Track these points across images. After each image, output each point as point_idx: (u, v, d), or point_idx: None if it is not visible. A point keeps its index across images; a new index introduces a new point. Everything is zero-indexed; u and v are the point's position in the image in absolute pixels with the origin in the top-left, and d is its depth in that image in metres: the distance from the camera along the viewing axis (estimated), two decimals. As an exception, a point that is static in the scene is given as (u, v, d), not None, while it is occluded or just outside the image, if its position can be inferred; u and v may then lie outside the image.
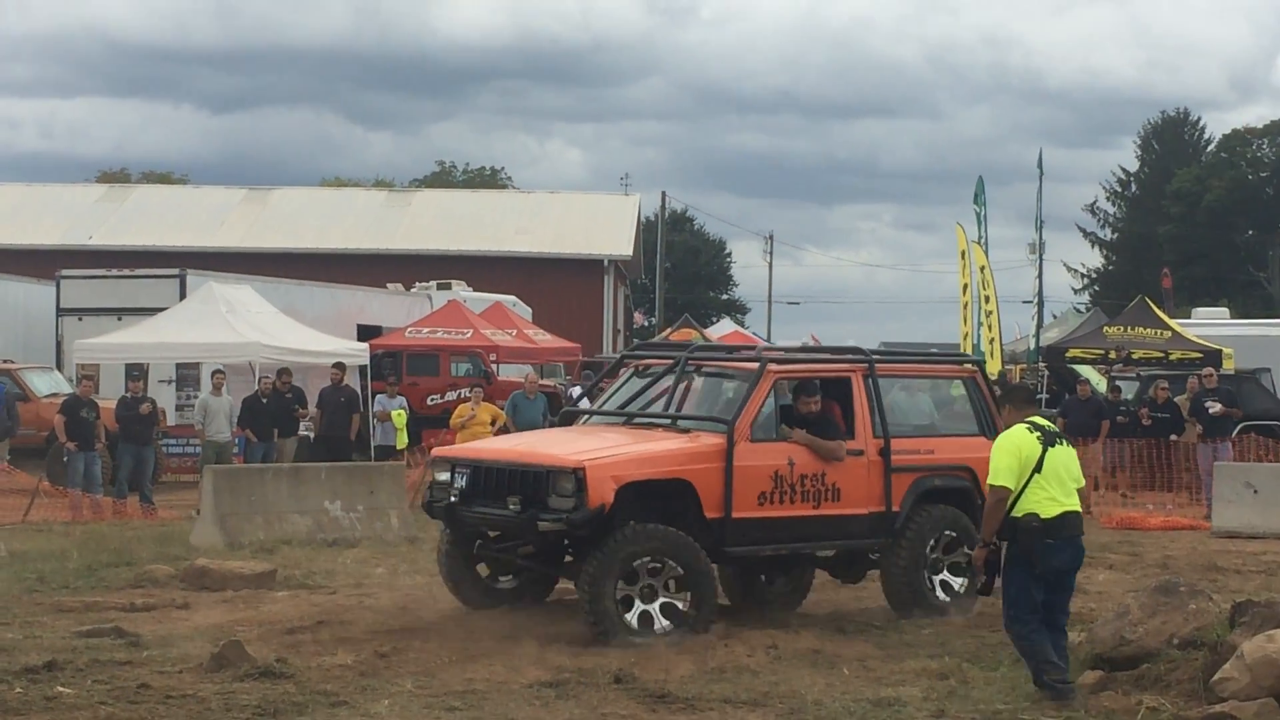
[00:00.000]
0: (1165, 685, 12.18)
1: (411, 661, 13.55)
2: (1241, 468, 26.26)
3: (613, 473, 14.50)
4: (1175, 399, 29.71)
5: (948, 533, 16.40)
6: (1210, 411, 28.12)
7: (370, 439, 33.61)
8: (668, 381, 16.36)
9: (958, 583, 16.41)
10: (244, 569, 18.48)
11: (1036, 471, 12.14)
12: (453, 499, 15.28)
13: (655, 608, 14.53)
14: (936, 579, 16.37)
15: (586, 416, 17.18)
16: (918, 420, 17.05)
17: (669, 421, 15.83)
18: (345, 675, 12.97)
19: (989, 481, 12.23)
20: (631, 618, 14.41)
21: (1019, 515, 12.08)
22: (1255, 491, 24.69)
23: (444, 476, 15.49)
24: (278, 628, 15.25)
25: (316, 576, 18.95)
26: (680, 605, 14.56)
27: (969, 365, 18.04)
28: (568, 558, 15.57)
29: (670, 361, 16.80)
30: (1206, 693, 11.74)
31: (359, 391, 32.06)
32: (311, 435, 30.59)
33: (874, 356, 16.86)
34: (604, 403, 17.21)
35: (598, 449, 14.97)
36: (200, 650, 13.90)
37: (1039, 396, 34.76)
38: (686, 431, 15.49)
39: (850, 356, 17.07)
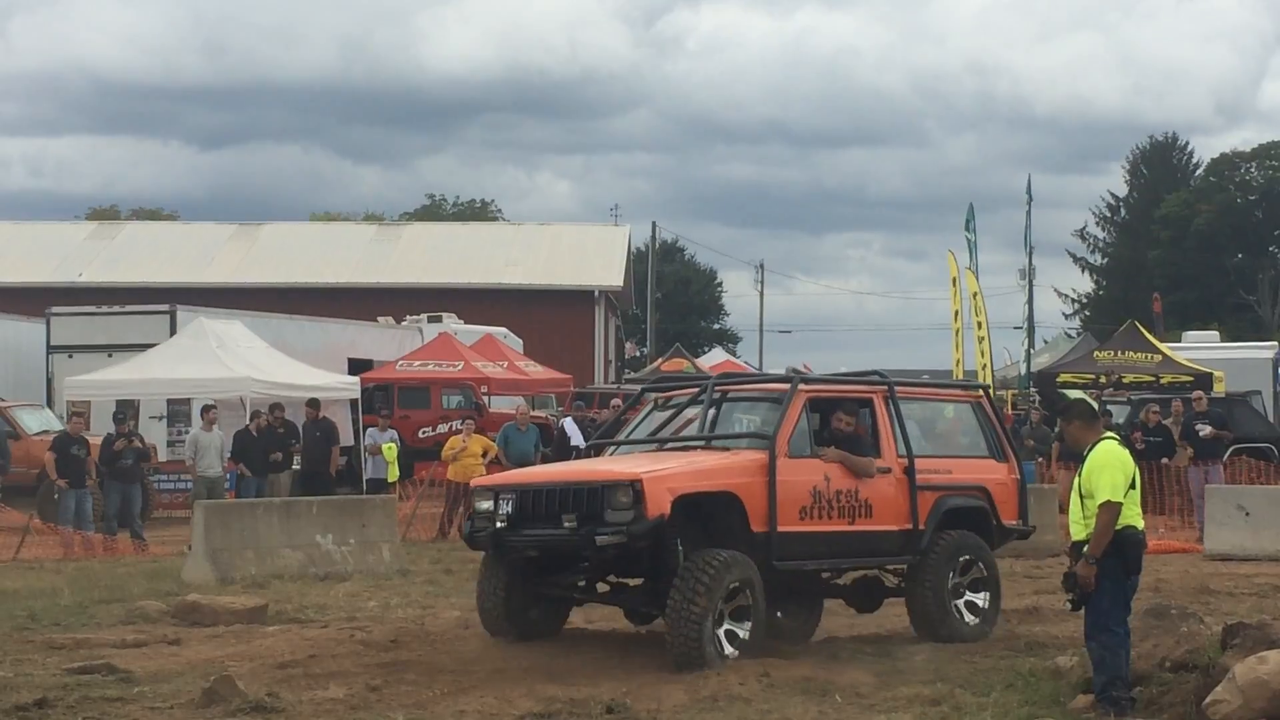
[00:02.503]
0: (1158, 708, 12.18)
1: (403, 694, 13.50)
2: (1233, 490, 26.25)
3: (668, 485, 14.60)
4: (1165, 422, 29.73)
5: (964, 557, 16.59)
6: (1201, 434, 28.17)
7: (361, 472, 33.61)
8: (692, 411, 16.71)
9: (981, 599, 16.67)
10: (235, 604, 18.44)
11: (1131, 487, 12.31)
12: (499, 525, 15.17)
13: (722, 633, 14.60)
14: (960, 602, 16.53)
15: (614, 447, 17.15)
16: (934, 442, 17.32)
17: (703, 444, 16.02)
18: (337, 709, 12.92)
19: (1105, 498, 12.19)
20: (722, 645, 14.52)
21: (1120, 528, 12.23)
22: (1247, 514, 24.68)
23: (486, 505, 15.44)
24: (269, 662, 15.20)
25: (308, 610, 18.92)
26: (741, 633, 14.71)
27: (977, 390, 18.38)
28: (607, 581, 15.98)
29: (694, 390, 17.16)
30: (1199, 715, 11.74)
31: (336, 424, 32.01)
32: (302, 470, 30.56)
33: (892, 380, 17.18)
34: (630, 433, 17.36)
35: (649, 465, 15.10)
36: (192, 686, 13.85)
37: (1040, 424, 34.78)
38: (726, 450, 15.69)
39: (872, 379, 17.31)
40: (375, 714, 12.71)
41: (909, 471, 16.32)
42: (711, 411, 16.45)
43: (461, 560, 23.71)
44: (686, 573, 14.28)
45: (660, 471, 14.78)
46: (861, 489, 15.91)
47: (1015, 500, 17.51)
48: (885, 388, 16.76)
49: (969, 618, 16.54)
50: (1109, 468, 12.28)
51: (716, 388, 16.86)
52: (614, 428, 18.72)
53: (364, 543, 22.94)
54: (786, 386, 16.41)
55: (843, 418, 16.16)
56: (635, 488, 14.43)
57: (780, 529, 15.11)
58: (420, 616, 18.19)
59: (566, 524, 14.70)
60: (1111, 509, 12.17)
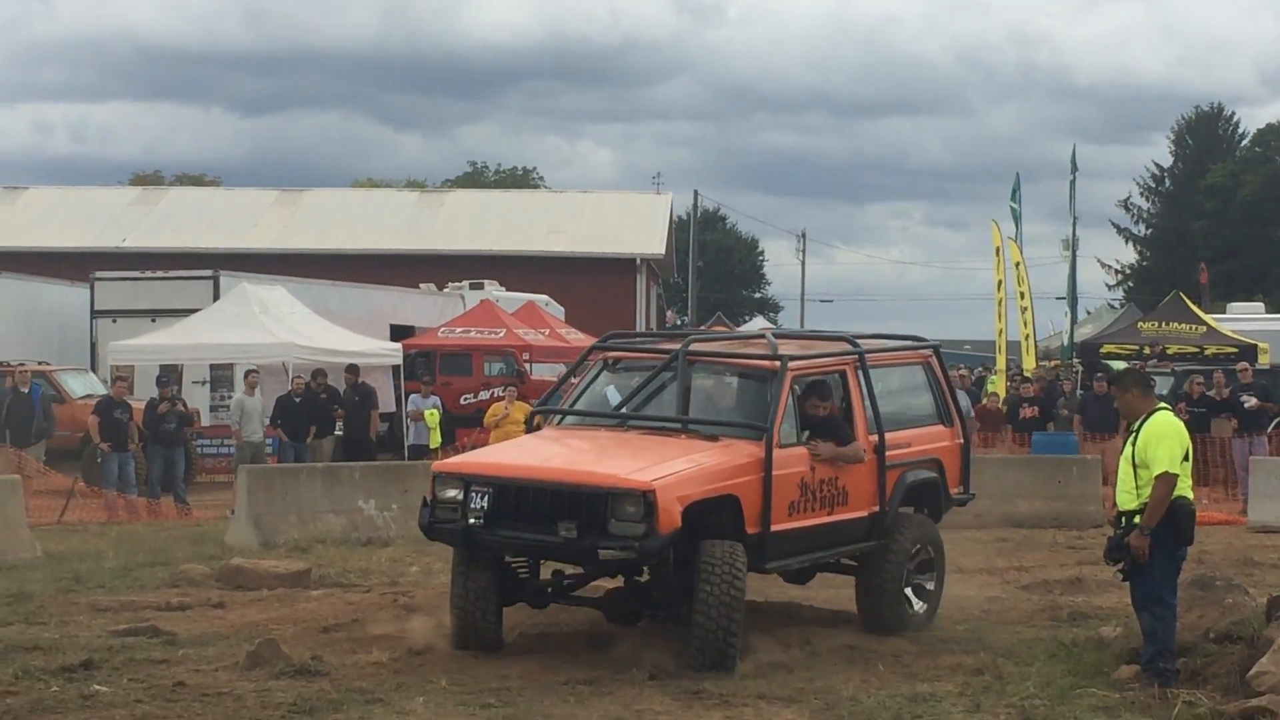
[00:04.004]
0: (1202, 679, 12.14)
1: (446, 659, 13.55)
2: (1278, 462, 26.12)
3: (679, 493, 13.04)
4: (1208, 393, 29.58)
5: (917, 545, 15.37)
6: (1246, 406, 28.03)
7: (404, 438, 33.67)
8: (654, 378, 14.85)
9: (929, 581, 15.51)
10: (279, 568, 18.52)
11: (1185, 459, 12.30)
12: (472, 521, 13.41)
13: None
14: (909, 589, 15.29)
15: (560, 417, 15.34)
16: (892, 411, 15.52)
17: (680, 426, 14.35)
18: (380, 673, 12.99)
19: (1162, 469, 12.16)
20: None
21: (1173, 499, 12.20)
22: (1291, 486, 24.54)
23: (452, 494, 13.60)
24: (313, 626, 15.27)
25: (351, 575, 18.98)
26: None
27: (928, 349, 16.76)
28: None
29: (657, 354, 15.38)
30: (1243, 687, 11.70)
31: (375, 389, 32.04)
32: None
33: (860, 345, 15.67)
34: (575, 400, 15.40)
35: (653, 465, 13.32)
36: (236, 649, 13.94)
37: (1075, 394, 34.66)
38: (715, 439, 14.02)
39: (846, 348, 15.58)
40: (419, 678, 12.75)
41: (879, 450, 15.02)
42: (678, 383, 14.64)
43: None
44: (712, 572, 12.96)
45: (670, 478, 13.07)
46: (840, 476, 14.59)
47: (959, 467, 16.37)
48: (856, 358, 15.34)
49: (917, 604, 15.34)
50: (1167, 439, 12.24)
51: (690, 358, 14.86)
52: (558, 390, 16.52)
53: (406, 508, 22.91)
54: (772, 364, 14.55)
55: (818, 404, 14.53)
56: (647, 499, 12.86)
57: (774, 528, 13.79)
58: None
59: (564, 532, 13.06)
60: (1169, 480, 12.13)
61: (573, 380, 16.11)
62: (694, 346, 15.07)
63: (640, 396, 14.84)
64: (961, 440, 16.45)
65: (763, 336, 15.84)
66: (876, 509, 14.99)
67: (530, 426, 15.58)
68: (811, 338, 16.76)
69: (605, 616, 14.35)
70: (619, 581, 14.68)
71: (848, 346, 15.59)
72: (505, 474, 13.65)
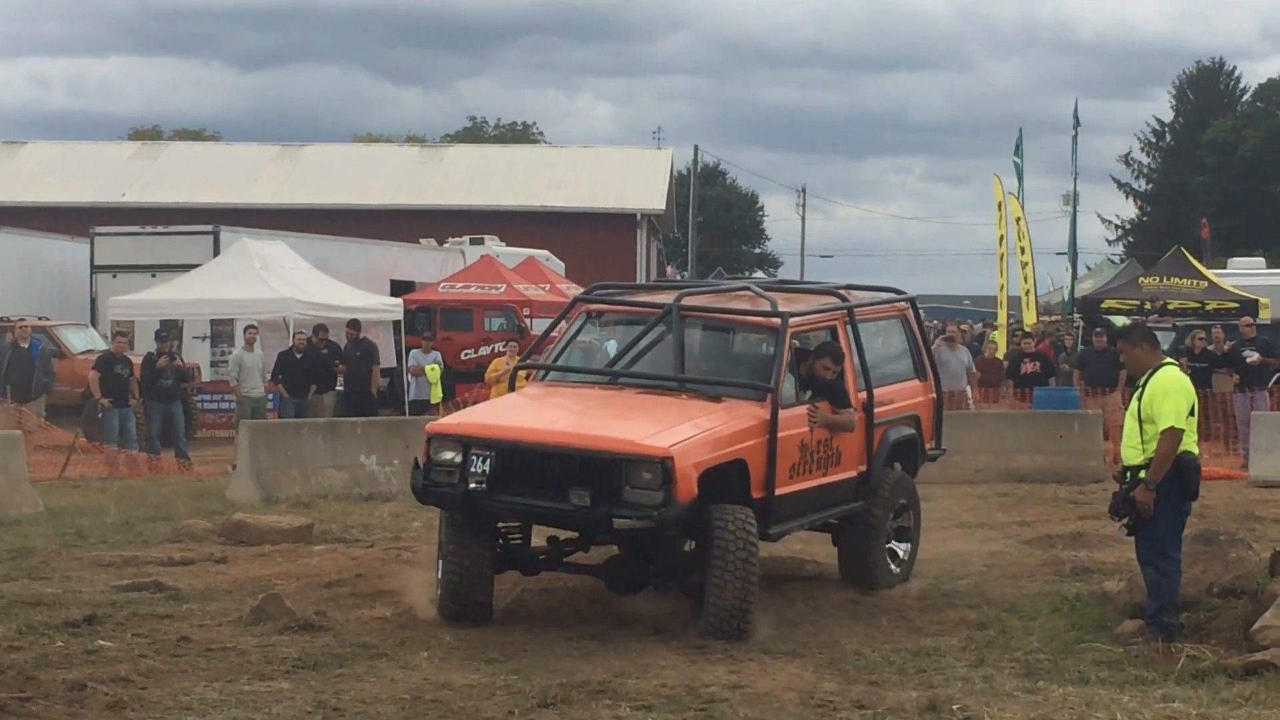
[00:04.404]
0: (1206, 634, 12.17)
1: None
2: (1279, 416, 26.11)
3: (694, 459, 12.52)
4: (1209, 348, 29.54)
5: (901, 501, 15.23)
6: (1248, 361, 28.00)
7: (405, 394, 33.67)
8: (646, 333, 14.24)
9: (902, 550, 15.30)
10: (281, 523, 18.53)
11: (1190, 414, 12.30)
12: (473, 486, 12.71)
13: None
14: (886, 550, 15.07)
15: (544, 373, 14.75)
16: (875, 366, 15.15)
17: (677, 385, 13.80)
18: (384, 628, 13.00)
19: (1169, 424, 12.15)
20: None
21: (1179, 454, 12.20)
22: (1293, 440, 24.54)
23: (450, 456, 12.90)
24: (316, 581, 15.28)
25: (354, 530, 18.99)
26: None
27: (904, 302, 16.43)
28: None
29: (649, 311, 14.61)
30: (1247, 641, 11.72)
31: (376, 345, 32.01)
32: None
33: (848, 299, 15.34)
34: (558, 355, 14.86)
35: (666, 429, 12.76)
36: (239, 604, 13.95)
37: (1076, 349, 34.64)
38: (718, 400, 13.50)
39: (837, 302, 15.21)
40: (422, 633, 12.74)
41: (868, 408, 14.71)
42: (670, 338, 14.09)
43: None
44: (726, 539, 12.50)
45: (686, 443, 12.53)
46: (834, 436, 14.22)
47: (934, 423, 16.31)
48: (845, 312, 14.94)
49: (893, 567, 15.09)
50: (1173, 394, 12.23)
51: (683, 313, 14.23)
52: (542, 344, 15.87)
53: (408, 463, 22.57)
54: (773, 322, 14.03)
55: (829, 366, 14.15)
56: (665, 466, 12.33)
57: (779, 491, 13.38)
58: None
59: (576, 501, 12.45)
60: (1175, 435, 12.12)
61: (553, 335, 15.39)
62: (686, 301, 14.43)
63: (631, 353, 14.29)
64: (935, 395, 16.29)
65: (747, 288, 15.39)
66: (864, 468, 14.73)
67: (513, 383, 15.01)
68: (794, 289, 16.21)
69: (606, 586, 13.76)
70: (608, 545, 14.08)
71: (837, 300, 15.24)
72: (509, 436, 12.90)
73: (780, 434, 13.32)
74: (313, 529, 18.56)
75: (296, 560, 16.78)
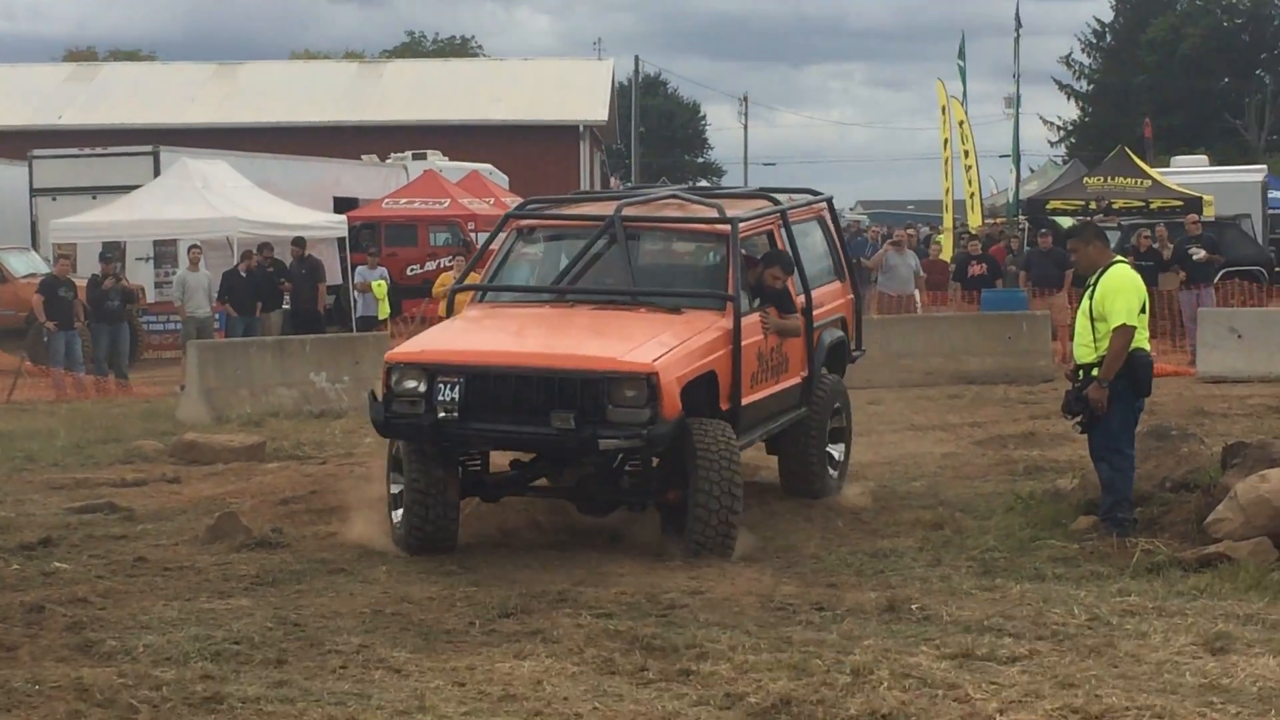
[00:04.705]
0: (1159, 528, 12.26)
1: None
2: (1225, 313, 26.30)
3: (676, 374, 12.07)
4: (1154, 246, 29.66)
5: (836, 405, 14.92)
6: (1194, 258, 28.12)
7: (352, 311, 33.57)
8: (586, 246, 13.63)
9: (838, 453, 14.97)
10: (233, 442, 18.46)
11: (1142, 311, 12.31)
12: (442, 415, 12.06)
13: None
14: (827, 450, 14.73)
15: (482, 294, 14.03)
16: (804, 269, 14.63)
17: (629, 299, 13.25)
18: (341, 544, 12.96)
19: (1120, 321, 12.16)
20: None
21: (1131, 351, 12.22)
22: (1239, 336, 24.73)
23: (412, 385, 12.23)
24: (271, 499, 15.23)
25: (306, 447, 18.94)
26: None
27: (823, 201, 15.96)
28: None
29: (585, 224, 14.07)
30: (1200, 534, 11.82)
31: (322, 262, 31.86)
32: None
33: (777, 201, 14.90)
34: (493, 274, 14.12)
35: (642, 345, 12.29)
36: (195, 523, 13.92)
37: (1022, 251, 34.75)
38: (678, 312, 12.99)
39: (769, 205, 14.73)
40: (379, 546, 12.71)
41: (807, 311, 14.33)
42: (613, 250, 13.55)
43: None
44: (709, 454, 12.06)
45: (666, 357, 12.09)
46: (783, 342, 13.86)
47: (855, 324, 15.93)
48: (779, 215, 14.50)
49: (831, 472, 14.80)
50: (1124, 291, 12.25)
51: (626, 224, 13.65)
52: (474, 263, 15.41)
53: (357, 379, 22.91)
54: (722, 228, 13.56)
55: (779, 275, 13.72)
56: (650, 382, 11.87)
57: (744, 401, 12.98)
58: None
59: (558, 424, 11.87)
60: (1127, 332, 12.15)
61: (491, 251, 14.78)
62: (628, 211, 13.84)
63: (573, 269, 13.61)
64: (854, 296, 15.89)
65: (675, 195, 14.86)
66: (806, 374, 14.42)
67: (450, 307, 14.11)
68: (719, 195, 15.61)
69: (577, 508, 13.27)
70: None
71: (769, 203, 14.79)
72: (479, 361, 12.30)
73: (744, 342, 12.96)
74: (265, 447, 18.50)
75: (250, 478, 16.73)
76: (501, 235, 14.66)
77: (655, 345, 12.26)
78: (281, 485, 16.07)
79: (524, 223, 14.44)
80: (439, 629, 10.25)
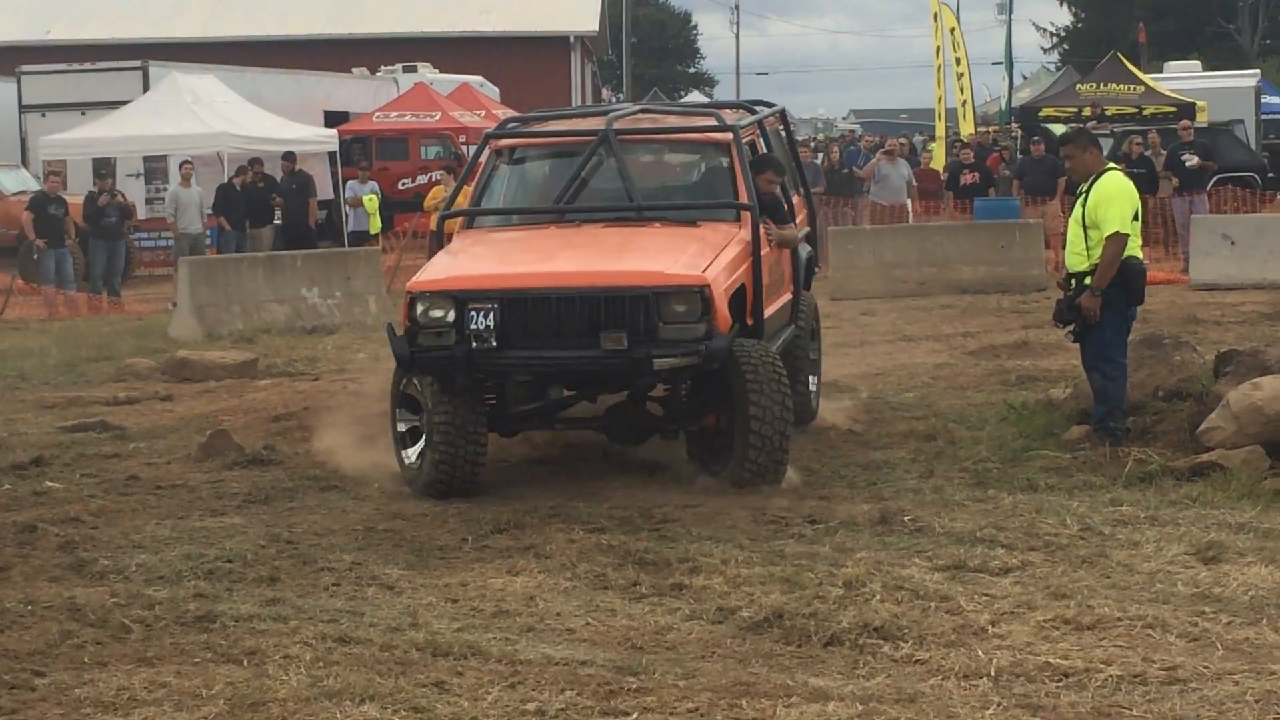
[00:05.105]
0: (1152, 436, 12.23)
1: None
2: (1218, 220, 26.21)
3: (723, 286, 11.50)
4: (1146, 153, 29.57)
5: (814, 325, 14.57)
6: (1187, 164, 28.04)
7: (343, 225, 33.49)
8: (583, 161, 12.84)
9: (814, 382, 14.31)
10: (225, 359, 18.44)
11: (1135, 218, 12.24)
12: (478, 344, 11.25)
13: None
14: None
15: (472, 220, 13.26)
16: None
17: (634, 214, 12.55)
18: (334, 459, 12.91)
19: (1114, 229, 12.07)
20: None
21: (1125, 258, 12.16)
22: (1232, 243, 24.65)
23: (439, 314, 11.43)
24: (263, 415, 15.23)
25: (298, 364, 18.93)
26: None
27: (774, 115, 15.11)
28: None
29: (571, 141, 13.32)
30: (1193, 443, 11.80)
31: (313, 177, 31.78)
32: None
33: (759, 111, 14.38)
34: (479, 197, 13.29)
35: (686, 257, 11.67)
36: (187, 441, 13.91)
37: (1015, 158, 34.65)
38: (694, 224, 12.42)
39: (745, 114, 14.05)
40: (372, 463, 12.68)
41: (812, 218, 14.23)
42: (607, 164, 12.89)
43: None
44: (761, 377, 11.38)
45: (712, 269, 11.50)
46: (780, 256, 13.32)
47: (814, 237, 15.18)
48: (757, 126, 13.90)
49: (813, 386, 14.27)
50: (1117, 199, 12.18)
51: (620, 137, 12.87)
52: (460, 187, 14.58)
53: (350, 295, 22.92)
54: (724, 136, 12.98)
55: (773, 179, 13.20)
56: (704, 295, 11.24)
57: (766, 314, 12.39)
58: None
59: (609, 345, 11.14)
60: (1120, 240, 12.09)
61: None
62: (619, 125, 13.06)
63: (568, 187, 12.77)
64: (809, 209, 15.12)
65: (643, 110, 14.35)
66: (793, 289, 13.91)
67: (439, 237, 13.35)
68: (673, 111, 15.24)
69: (608, 438, 12.52)
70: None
71: (746, 114, 14.09)
72: (515, 285, 11.52)
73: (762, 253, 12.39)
74: (257, 364, 18.49)
75: (242, 395, 16.72)
76: (483, 157, 13.82)
77: (697, 257, 11.66)
78: (274, 402, 16.07)
79: (505, 142, 13.54)
80: (431, 545, 10.26)
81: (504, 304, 11.33)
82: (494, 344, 11.27)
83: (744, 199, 12.55)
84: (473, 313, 11.31)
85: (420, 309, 11.50)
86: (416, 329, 11.49)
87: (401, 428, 11.97)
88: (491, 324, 11.27)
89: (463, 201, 14.52)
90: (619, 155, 12.70)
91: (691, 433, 11.99)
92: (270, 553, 10.05)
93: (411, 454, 11.84)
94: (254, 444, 13.49)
